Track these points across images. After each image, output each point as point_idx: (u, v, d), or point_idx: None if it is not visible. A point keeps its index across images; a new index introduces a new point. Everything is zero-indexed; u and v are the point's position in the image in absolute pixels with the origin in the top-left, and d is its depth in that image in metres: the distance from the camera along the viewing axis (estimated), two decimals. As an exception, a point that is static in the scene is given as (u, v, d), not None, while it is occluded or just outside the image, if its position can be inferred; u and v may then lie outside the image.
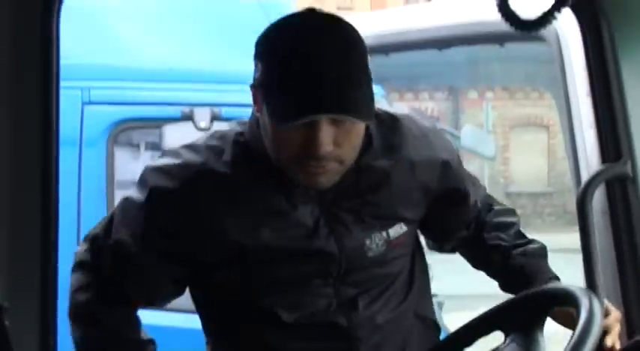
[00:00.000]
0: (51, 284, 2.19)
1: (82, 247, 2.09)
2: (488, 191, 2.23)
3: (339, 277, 1.94)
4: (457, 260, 2.27)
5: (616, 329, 2.00)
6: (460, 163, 2.13)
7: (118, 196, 3.91)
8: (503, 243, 2.11)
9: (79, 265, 2.05)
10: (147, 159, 4.12)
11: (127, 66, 3.95)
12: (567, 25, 2.36)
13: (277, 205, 1.91)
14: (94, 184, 3.87)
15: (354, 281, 1.95)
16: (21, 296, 2.10)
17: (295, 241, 1.91)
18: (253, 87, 1.89)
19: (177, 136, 3.81)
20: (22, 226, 2.15)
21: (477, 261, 2.19)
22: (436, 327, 2.10)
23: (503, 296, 2.11)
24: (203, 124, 3.79)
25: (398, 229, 1.98)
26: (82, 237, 3.59)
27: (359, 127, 1.84)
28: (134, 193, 1.99)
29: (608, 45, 2.21)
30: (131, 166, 4.09)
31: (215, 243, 1.92)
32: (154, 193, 1.94)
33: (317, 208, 1.93)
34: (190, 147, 1.98)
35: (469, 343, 2.02)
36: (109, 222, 2.04)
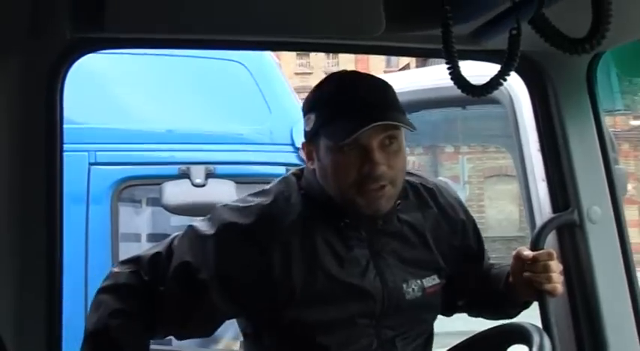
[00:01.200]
0: (57, 325, 2.18)
1: (122, 269, 2.03)
2: None
3: (381, 316, 1.95)
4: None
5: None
6: (476, 224, 2.18)
7: (123, 247, 3.91)
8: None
9: (119, 287, 1.98)
10: (148, 213, 4.12)
11: (129, 129, 3.96)
12: (519, 88, 2.38)
13: (336, 246, 1.94)
14: (100, 237, 3.86)
15: (393, 323, 1.97)
16: (28, 340, 2.10)
17: (350, 278, 1.94)
18: (306, 142, 1.99)
19: (175, 192, 3.82)
20: (31, 274, 2.14)
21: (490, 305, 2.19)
22: None
23: (471, 333, 2.12)
24: (198, 181, 3.79)
25: (431, 280, 2.02)
26: (89, 283, 3.63)
27: (403, 150, 1.95)
28: (202, 226, 1.98)
29: (554, 105, 2.24)
30: (134, 220, 4.09)
31: (276, 281, 1.91)
32: (225, 227, 1.94)
33: (367, 250, 1.97)
34: (261, 192, 2.01)
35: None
36: (169, 246, 1.99)
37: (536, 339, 1.74)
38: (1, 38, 2.05)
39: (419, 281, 2.00)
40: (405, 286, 1.97)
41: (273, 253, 1.90)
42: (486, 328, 2.06)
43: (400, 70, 16.42)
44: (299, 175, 2.04)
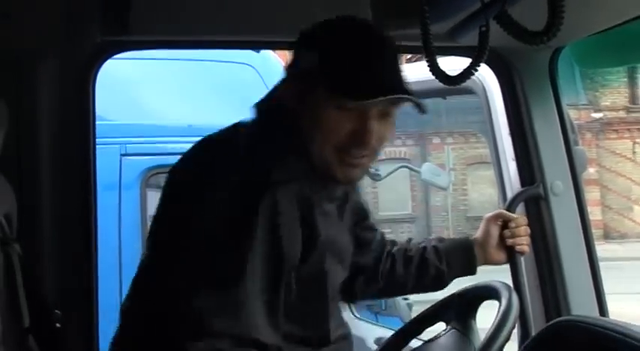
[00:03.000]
0: (94, 299, 2.18)
1: None
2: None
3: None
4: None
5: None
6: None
7: (151, 227, 3.92)
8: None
9: None
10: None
11: (154, 124, 4.00)
12: (491, 80, 2.38)
13: (323, 204, 1.64)
14: (131, 220, 3.88)
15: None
16: (70, 307, 2.10)
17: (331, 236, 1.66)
18: (296, 80, 1.60)
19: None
20: (69, 255, 2.15)
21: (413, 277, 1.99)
22: None
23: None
24: (214, 169, 3.81)
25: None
26: (123, 260, 3.65)
27: (393, 126, 1.64)
28: None
29: (521, 94, 2.23)
30: (160, 203, 4.11)
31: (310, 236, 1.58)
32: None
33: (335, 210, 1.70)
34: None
35: (418, 333, 2.02)
36: None
37: (505, 294, 1.74)
38: (38, 43, 2.05)
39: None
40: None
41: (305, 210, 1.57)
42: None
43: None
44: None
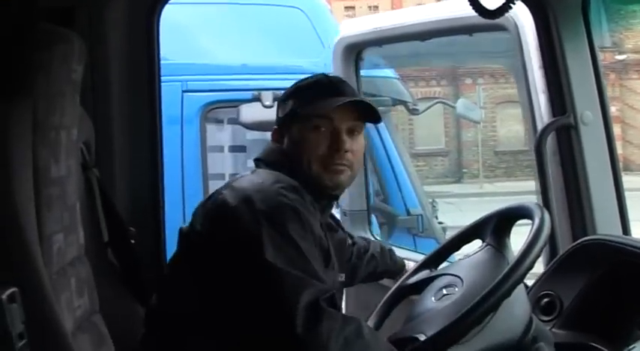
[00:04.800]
0: (161, 219, 2.22)
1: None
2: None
3: None
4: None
5: None
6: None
7: (210, 157, 3.97)
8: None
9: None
10: (229, 130, 4.17)
11: (212, 64, 4.00)
12: (523, 16, 2.31)
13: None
14: (192, 150, 3.93)
15: None
16: (141, 225, 2.14)
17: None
18: (278, 126, 1.84)
19: (250, 112, 3.86)
20: (140, 182, 2.17)
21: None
22: None
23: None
24: (267, 103, 3.83)
25: None
26: (185, 186, 3.71)
27: (362, 144, 1.83)
28: (285, 214, 1.61)
29: (554, 28, 2.17)
30: (218, 135, 4.15)
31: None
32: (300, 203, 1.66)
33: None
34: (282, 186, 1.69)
35: (457, 249, 2.02)
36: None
37: (538, 213, 1.72)
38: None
39: None
40: None
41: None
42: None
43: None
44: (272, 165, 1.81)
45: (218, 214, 1.65)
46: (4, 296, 1.26)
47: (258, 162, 1.86)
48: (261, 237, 1.55)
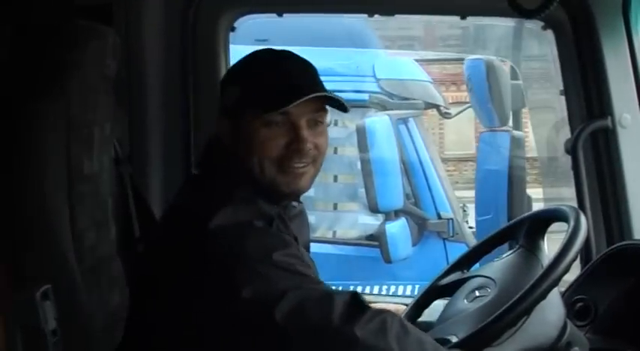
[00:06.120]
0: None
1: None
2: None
3: None
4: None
5: None
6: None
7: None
8: None
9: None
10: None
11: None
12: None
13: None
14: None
15: None
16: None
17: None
18: (224, 116, 1.55)
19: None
20: (172, 179, 2.17)
21: None
22: None
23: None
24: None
25: None
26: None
27: (327, 135, 1.57)
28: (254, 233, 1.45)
29: (593, 26, 2.12)
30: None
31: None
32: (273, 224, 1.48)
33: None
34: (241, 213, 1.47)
35: (489, 251, 1.98)
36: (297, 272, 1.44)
37: (573, 216, 1.68)
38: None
39: None
40: None
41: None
42: None
43: None
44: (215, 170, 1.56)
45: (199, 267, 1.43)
46: (37, 294, 1.26)
47: (202, 168, 1.61)
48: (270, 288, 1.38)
